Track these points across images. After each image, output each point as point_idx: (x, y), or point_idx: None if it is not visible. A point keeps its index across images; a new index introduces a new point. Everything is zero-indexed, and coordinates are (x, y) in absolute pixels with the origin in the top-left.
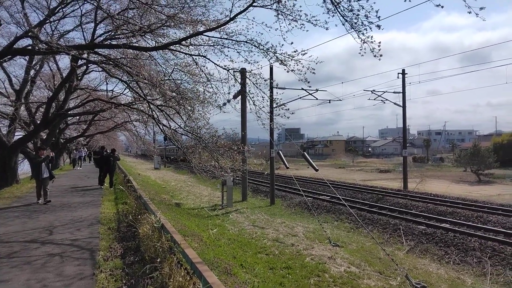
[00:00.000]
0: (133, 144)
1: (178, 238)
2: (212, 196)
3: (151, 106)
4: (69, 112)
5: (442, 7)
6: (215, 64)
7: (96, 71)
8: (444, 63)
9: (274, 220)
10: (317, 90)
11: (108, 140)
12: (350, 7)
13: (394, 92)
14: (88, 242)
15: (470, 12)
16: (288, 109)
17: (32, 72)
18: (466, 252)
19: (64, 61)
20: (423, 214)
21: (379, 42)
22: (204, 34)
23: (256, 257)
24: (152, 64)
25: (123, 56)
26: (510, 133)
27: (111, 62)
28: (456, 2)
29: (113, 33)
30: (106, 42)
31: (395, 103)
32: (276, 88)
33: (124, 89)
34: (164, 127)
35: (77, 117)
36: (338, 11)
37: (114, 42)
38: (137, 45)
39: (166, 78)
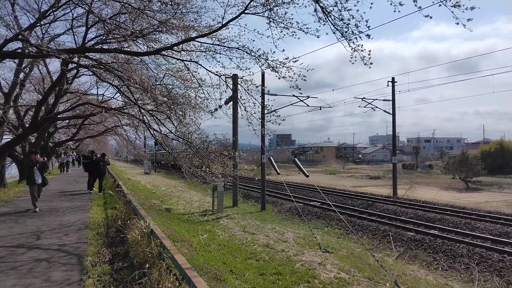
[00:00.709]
0: (124, 149)
1: (167, 243)
2: (203, 201)
3: (142, 110)
4: (58, 116)
5: (430, 17)
6: (207, 70)
7: (86, 75)
8: (433, 71)
9: (264, 226)
10: (308, 97)
11: (98, 144)
12: (340, 16)
13: (384, 100)
14: (76, 247)
15: (458, 23)
16: (279, 115)
17: (21, 75)
18: (454, 258)
19: (54, 64)
20: (412, 220)
21: (369, 51)
22: (196, 40)
23: (246, 263)
24: (143, 69)
25: (114, 60)
26: (497, 141)
27: (102, 66)
28: (445, 12)
29: (104, 37)
30: (97, 46)
31: (385, 111)
32: (267, 94)
33: (115, 94)
34: (155, 132)
35: (67, 121)
36: (329, 20)
37: (105, 47)
38: (128, 49)
39: (157, 83)
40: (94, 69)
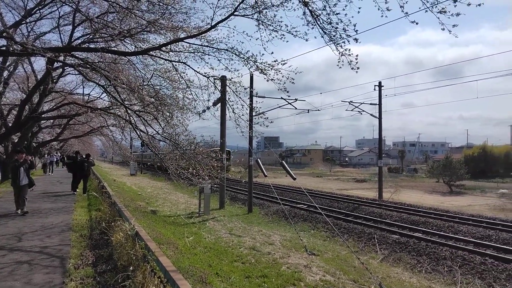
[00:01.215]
0: (109, 150)
1: (152, 246)
2: (189, 203)
3: (129, 111)
4: (42, 116)
5: (417, 23)
6: (195, 71)
7: (72, 74)
8: (418, 76)
9: (251, 228)
10: (296, 99)
11: (83, 145)
12: (329, 20)
13: (370, 104)
14: (59, 250)
15: (443, 29)
16: (267, 117)
17: (5, 74)
18: (438, 261)
19: (39, 63)
20: (397, 223)
21: (357, 55)
22: (185, 40)
23: (232, 266)
24: (131, 69)
25: (101, 60)
26: (480, 146)
27: (88, 66)
28: (431, 18)
29: (91, 36)
30: (84, 45)
31: (371, 115)
32: (256, 96)
33: (101, 94)
34: (141, 133)
35: (51, 120)
36: (317, 23)
37: (92, 46)
38: (116, 49)
39: (145, 83)
40: (80, 68)
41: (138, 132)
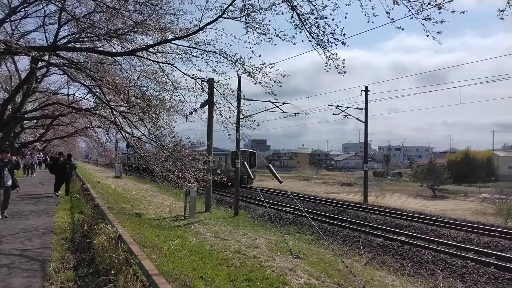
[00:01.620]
0: (94, 151)
1: (135, 249)
2: (175, 206)
3: (114, 112)
4: (25, 116)
5: (402, 29)
6: (182, 72)
7: (57, 74)
8: (404, 82)
9: (237, 232)
10: (283, 103)
11: (67, 146)
12: (316, 24)
13: (357, 108)
14: (39, 253)
15: (428, 36)
16: (254, 120)
17: None
18: (420, 264)
19: (23, 62)
20: (381, 227)
21: (343, 59)
22: (172, 42)
23: (217, 269)
24: (117, 69)
25: (87, 60)
26: (463, 151)
27: (73, 66)
28: (416, 25)
29: (77, 35)
30: (69, 45)
31: (357, 119)
32: (243, 99)
33: (86, 94)
34: (126, 134)
35: (34, 121)
36: (305, 27)
37: (78, 45)
38: (102, 49)
39: (131, 84)
40: (65, 68)
41: (124, 134)
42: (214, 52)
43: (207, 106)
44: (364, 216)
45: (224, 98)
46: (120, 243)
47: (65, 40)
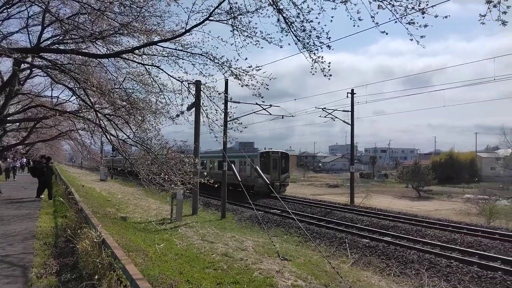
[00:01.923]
0: (78, 154)
1: (119, 253)
2: (161, 209)
3: (99, 115)
4: (8, 118)
5: (386, 33)
6: (168, 75)
7: (40, 76)
8: (389, 85)
9: (224, 234)
10: (270, 105)
11: (51, 149)
12: (302, 27)
13: (343, 111)
14: (21, 258)
15: (412, 40)
16: (241, 123)
17: None
18: (406, 264)
19: (5, 64)
20: (367, 228)
21: (329, 63)
22: (159, 44)
23: (204, 273)
24: (102, 71)
25: (71, 62)
26: (447, 152)
27: (57, 68)
28: (400, 29)
29: (61, 37)
30: (53, 47)
31: (344, 121)
32: (230, 101)
33: (71, 96)
34: (111, 137)
35: (17, 123)
36: (291, 30)
37: (62, 47)
38: (86, 51)
39: (117, 87)
40: (48, 70)
41: (109, 136)
42: (201, 54)
43: (194, 108)
44: (351, 217)
45: (211, 100)
46: (103, 248)
47: (49, 42)
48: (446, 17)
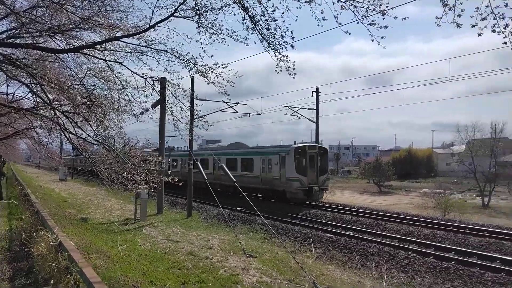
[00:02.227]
0: (36, 154)
1: (76, 256)
2: (125, 209)
3: (57, 112)
4: None
5: (349, 34)
6: (132, 71)
7: None
8: (352, 84)
9: (189, 233)
10: (237, 103)
11: (6, 148)
12: (267, 26)
13: (308, 109)
14: None
15: (373, 40)
16: (207, 121)
17: None
18: (367, 257)
19: None
20: (331, 223)
21: (294, 62)
22: (121, 39)
23: (168, 273)
24: (61, 67)
25: (27, 56)
26: (406, 149)
27: (12, 63)
28: (363, 30)
29: (17, 31)
30: (8, 40)
31: (309, 119)
32: (196, 99)
33: (27, 93)
34: (71, 135)
35: None
36: (257, 29)
37: (18, 41)
38: (44, 45)
39: (76, 83)
40: (3, 65)
41: (67, 135)
42: (166, 51)
43: (159, 106)
44: (315, 213)
45: (176, 98)
46: (60, 251)
47: (3, 36)
48: (405, 18)
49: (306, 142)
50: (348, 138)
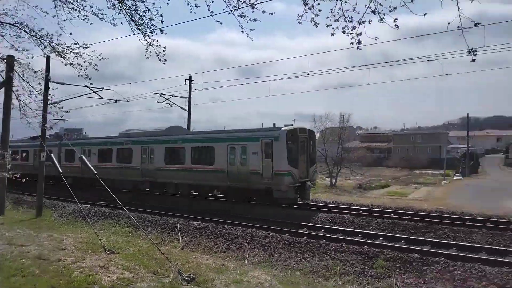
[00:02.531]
0: None
1: None
2: None
3: None
4: None
5: (221, 23)
6: None
7: None
8: (224, 73)
9: (39, 235)
10: (102, 88)
11: None
12: (135, 7)
13: (181, 97)
14: None
15: (242, 32)
16: (62, 107)
17: None
18: (231, 240)
19: None
20: (198, 210)
21: (164, 47)
22: None
23: (9, 282)
24: None
25: None
26: None
27: None
28: (235, 21)
29: None
30: None
31: (181, 107)
32: (51, 82)
33: None
34: None
35: None
36: (123, 8)
37: None
38: None
39: None
40: None
41: None
42: (13, 24)
43: (3, 89)
44: (184, 201)
45: (23, 80)
46: None
47: None
48: (272, 13)
49: (294, 126)
50: (220, 127)
